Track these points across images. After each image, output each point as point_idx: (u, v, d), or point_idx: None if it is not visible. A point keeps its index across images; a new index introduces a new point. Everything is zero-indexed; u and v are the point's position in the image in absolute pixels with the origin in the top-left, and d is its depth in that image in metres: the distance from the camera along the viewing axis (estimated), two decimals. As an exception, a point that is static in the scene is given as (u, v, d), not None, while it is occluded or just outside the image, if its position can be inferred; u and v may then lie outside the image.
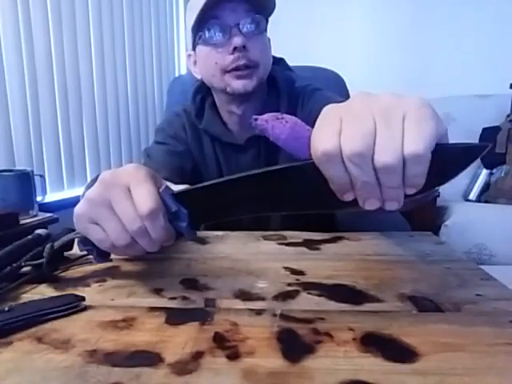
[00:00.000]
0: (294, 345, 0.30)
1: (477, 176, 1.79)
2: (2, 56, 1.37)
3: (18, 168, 1.31)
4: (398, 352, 0.29)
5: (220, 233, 0.62)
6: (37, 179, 1.27)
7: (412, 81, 2.19)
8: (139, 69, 1.99)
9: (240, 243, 0.57)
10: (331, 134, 0.28)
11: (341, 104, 0.31)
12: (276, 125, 0.33)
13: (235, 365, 0.28)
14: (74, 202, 0.42)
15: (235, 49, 0.63)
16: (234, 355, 0.29)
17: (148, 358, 0.29)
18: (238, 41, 0.63)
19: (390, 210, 0.30)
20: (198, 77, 0.75)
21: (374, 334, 0.32)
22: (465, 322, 0.33)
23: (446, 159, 0.29)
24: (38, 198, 1.28)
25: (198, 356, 0.29)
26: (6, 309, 0.33)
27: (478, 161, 1.81)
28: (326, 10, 2.28)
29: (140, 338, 0.31)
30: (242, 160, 0.75)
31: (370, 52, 2.27)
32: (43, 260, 0.43)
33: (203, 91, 0.76)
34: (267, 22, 0.69)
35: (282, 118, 0.33)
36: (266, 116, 0.33)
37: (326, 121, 0.31)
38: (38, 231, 0.49)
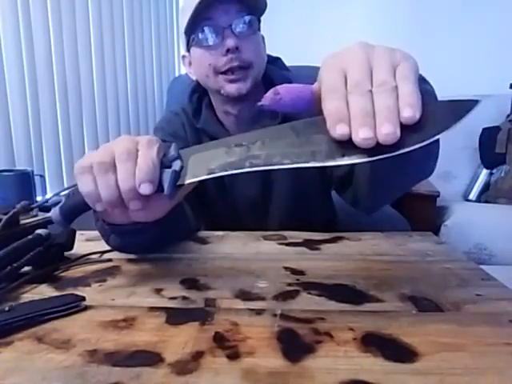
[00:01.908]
0: (294, 345, 0.30)
1: (477, 176, 1.79)
2: (2, 56, 1.37)
3: (18, 168, 1.31)
4: (398, 352, 0.29)
5: (220, 233, 0.62)
6: (37, 179, 1.26)
7: (412, 81, 2.19)
8: (139, 69, 1.99)
9: (240, 243, 0.57)
10: (336, 70, 0.31)
11: (339, 53, 0.34)
12: (278, 104, 0.35)
13: (235, 365, 0.28)
14: (74, 202, 0.42)
15: (228, 50, 0.63)
16: (234, 355, 0.29)
17: (148, 358, 0.29)
18: (230, 42, 0.63)
19: (385, 138, 0.28)
20: (194, 78, 0.75)
21: (374, 334, 0.32)
22: (465, 322, 0.33)
23: (435, 107, 0.31)
24: (38, 198, 1.28)
25: (198, 356, 0.29)
26: (7, 309, 0.33)
27: (478, 160, 1.81)
28: (327, 10, 2.28)
29: (140, 338, 0.31)
30: None
31: (370, 52, 2.26)
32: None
33: (199, 91, 0.76)
34: (259, 21, 0.69)
35: (279, 96, 0.35)
36: (267, 100, 0.35)
37: (330, 67, 0.33)
38: (38, 231, 0.49)
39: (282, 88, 0.35)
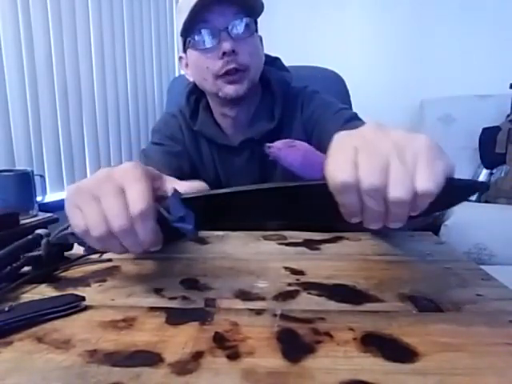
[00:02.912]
0: (294, 345, 0.30)
1: (477, 176, 1.79)
2: (2, 56, 1.37)
3: (18, 168, 1.31)
4: (398, 352, 0.29)
5: (220, 233, 0.62)
6: (37, 179, 1.26)
7: (412, 81, 2.19)
8: (139, 69, 1.99)
9: (240, 243, 0.57)
10: (349, 166, 0.30)
11: (353, 133, 0.33)
12: (289, 153, 0.34)
13: (235, 365, 0.28)
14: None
15: (224, 53, 0.63)
16: (234, 355, 0.29)
17: (148, 358, 0.29)
18: (227, 46, 0.62)
19: (392, 228, 0.32)
20: (191, 79, 0.75)
21: (374, 334, 0.32)
22: (465, 322, 0.33)
23: (450, 191, 0.31)
24: (38, 198, 1.27)
25: (198, 356, 0.29)
26: (7, 309, 0.33)
27: (478, 160, 1.81)
28: (327, 10, 2.28)
29: (140, 338, 0.31)
30: (236, 162, 0.75)
31: (370, 52, 2.27)
32: (40, 253, 0.43)
33: (197, 93, 0.76)
34: (256, 22, 0.69)
35: (294, 146, 0.34)
36: (279, 144, 0.34)
37: (341, 150, 0.31)
38: (38, 231, 0.48)
39: (301, 146, 0.34)
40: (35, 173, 1.25)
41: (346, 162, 0.30)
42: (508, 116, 1.80)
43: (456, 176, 0.32)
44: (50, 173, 1.58)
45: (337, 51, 2.23)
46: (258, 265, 0.48)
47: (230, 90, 0.66)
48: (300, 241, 0.58)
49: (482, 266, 0.46)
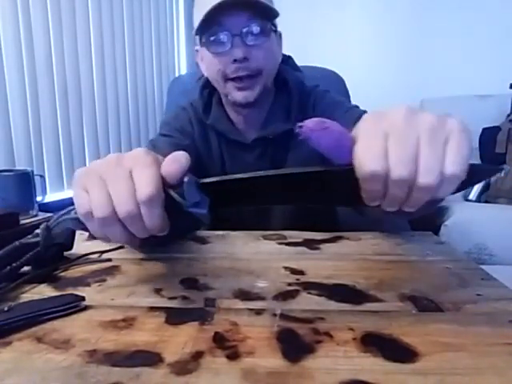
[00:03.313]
0: (294, 345, 0.30)
1: (477, 176, 1.79)
2: (2, 56, 1.37)
3: (18, 168, 1.31)
4: (398, 352, 0.29)
5: (220, 232, 0.62)
6: (37, 179, 1.26)
7: (412, 81, 2.19)
8: (139, 68, 1.99)
9: (240, 243, 0.57)
10: (378, 154, 0.29)
11: (382, 116, 0.32)
12: (321, 135, 0.33)
13: (235, 365, 0.28)
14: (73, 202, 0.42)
15: (236, 60, 0.63)
16: (233, 355, 0.29)
17: (148, 358, 0.29)
18: (238, 53, 0.62)
19: (408, 211, 0.32)
20: (205, 74, 0.74)
21: (374, 334, 0.32)
22: (465, 322, 0.33)
23: (469, 175, 0.31)
24: (38, 198, 1.27)
25: (197, 356, 0.29)
26: (6, 309, 0.33)
27: (478, 161, 1.81)
28: (327, 10, 2.28)
29: (140, 338, 0.31)
30: (247, 159, 0.74)
31: (370, 52, 2.27)
32: (38, 239, 0.43)
33: (210, 86, 0.76)
34: (273, 24, 0.68)
35: (327, 128, 0.33)
36: (310, 124, 0.33)
37: (370, 136, 0.31)
38: (38, 231, 0.48)
39: (333, 126, 0.33)
40: (35, 173, 1.25)
41: (375, 150, 0.30)
42: (508, 116, 1.80)
43: None
44: (50, 173, 1.58)
45: (337, 51, 2.23)
46: (257, 264, 0.48)
47: (239, 96, 0.66)
48: (300, 241, 0.58)
49: (482, 266, 0.46)
